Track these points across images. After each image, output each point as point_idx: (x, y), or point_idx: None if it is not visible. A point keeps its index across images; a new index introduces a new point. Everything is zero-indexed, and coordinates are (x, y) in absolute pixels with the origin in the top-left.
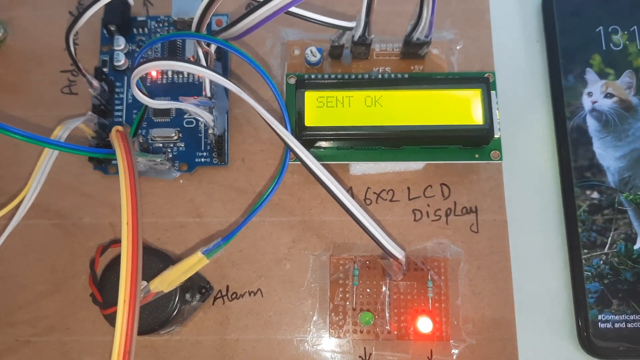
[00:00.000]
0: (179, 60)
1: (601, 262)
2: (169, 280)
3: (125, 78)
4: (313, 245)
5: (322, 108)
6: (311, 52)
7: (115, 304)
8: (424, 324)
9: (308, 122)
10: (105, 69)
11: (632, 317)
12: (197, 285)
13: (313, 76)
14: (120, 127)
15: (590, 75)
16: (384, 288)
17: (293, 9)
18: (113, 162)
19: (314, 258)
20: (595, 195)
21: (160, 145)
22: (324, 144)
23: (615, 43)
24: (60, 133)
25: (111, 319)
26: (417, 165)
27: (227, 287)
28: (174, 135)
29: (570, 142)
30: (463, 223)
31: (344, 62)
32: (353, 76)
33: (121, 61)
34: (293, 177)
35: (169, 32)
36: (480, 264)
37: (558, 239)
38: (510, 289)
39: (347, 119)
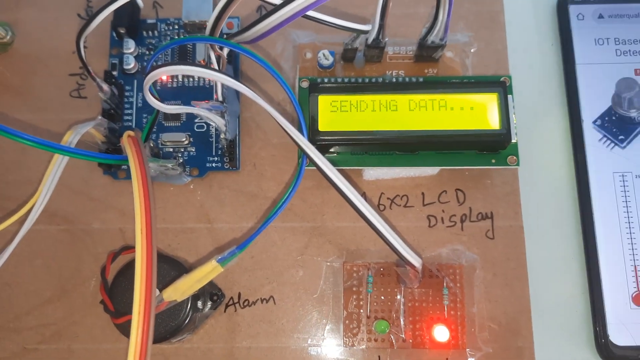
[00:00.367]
0: (194, 65)
1: None
2: (182, 289)
3: (135, 81)
4: (326, 252)
5: (335, 112)
6: (324, 55)
7: (126, 312)
8: (441, 333)
9: (322, 127)
10: (114, 72)
11: None
12: (209, 293)
13: (326, 80)
14: (131, 132)
15: None
16: (398, 296)
17: (308, 12)
18: (123, 167)
19: (327, 265)
20: None
21: (171, 150)
22: (337, 148)
23: None
24: (71, 138)
25: (122, 328)
26: (432, 170)
27: (239, 294)
28: (184, 139)
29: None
30: (478, 229)
31: (356, 65)
32: (367, 80)
33: (131, 64)
34: (305, 182)
35: (179, 34)
36: (496, 270)
37: (575, 245)
38: (526, 296)
39: (361, 124)
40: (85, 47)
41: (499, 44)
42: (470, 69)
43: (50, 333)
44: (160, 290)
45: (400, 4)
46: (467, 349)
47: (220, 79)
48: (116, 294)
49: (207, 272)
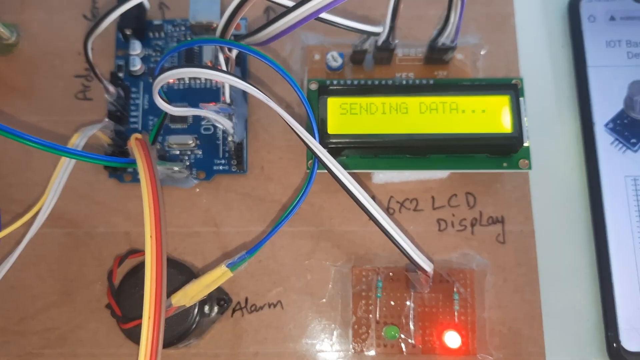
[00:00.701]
0: (205, 68)
1: None
2: (191, 294)
3: (141, 83)
4: (334, 256)
5: (345, 115)
6: (332, 57)
7: (134, 317)
8: (452, 339)
9: (331, 130)
10: (120, 74)
11: None
12: (216, 297)
13: (335, 82)
14: (139, 135)
15: None
16: (408, 301)
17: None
18: (129, 170)
19: (336, 269)
20: None
21: (177, 152)
22: (346, 152)
23: None
24: (78, 141)
25: (129, 333)
26: (442, 173)
27: (246, 299)
28: (191, 142)
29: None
30: (489, 234)
31: (365, 67)
32: (377, 82)
33: (137, 66)
34: (313, 185)
35: (186, 36)
36: (506, 276)
37: (586, 250)
38: (537, 301)
39: (371, 127)
40: (91, 48)
41: (510, 46)
42: (481, 71)
43: (55, 337)
44: (168, 295)
45: (410, 5)
46: (478, 355)
47: (232, 82)
48: (123, 299)
49: (217, 277)
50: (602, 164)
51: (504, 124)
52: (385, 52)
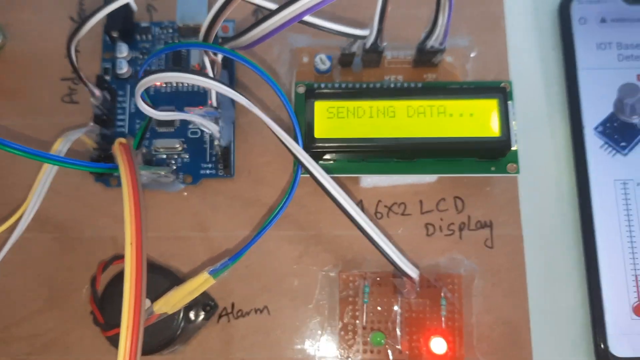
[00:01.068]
0: (188, 72)
1: None
2: (173, 301)
3: (128, 86)
4: (322, 261)
5: (332, 119)
6: (321, 59)
7: (117, 325)
8: (438, 345)
9: (318, 134)
10: (107, 77)
11: None
12: (202, 303)
13: (323, 85)
14: (123, 140)
15: None
16: (395, 306)
17: (304, 18)
18: (115, 174)
19: (323, 274)
20: None
21: (164, 156)
22: (334, 156)
23: None
24: (60, 147)
25: (113, 340)
26: (430, 177)
27: (233, 304)
28: (178, 146)
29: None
30: (477, 238)
31: (354, 70)
32: (365, 85)
33: (124, 69)
34: (301, 189)
35: (173, 38)
36: (495, 280)
37: (575, 254)
38: (526, 306)
39: (358, 130)
40: (77, 51)
41: (500, 49)
42: (470, 73)
43: (41, 344)
44: (152, 302)
45: (400, 5)
46: None
47: (215, 87)
48: (107, 305)
49: (199, 285)
50: (591, 167)
51: (492, 128)
52: (373, 54)
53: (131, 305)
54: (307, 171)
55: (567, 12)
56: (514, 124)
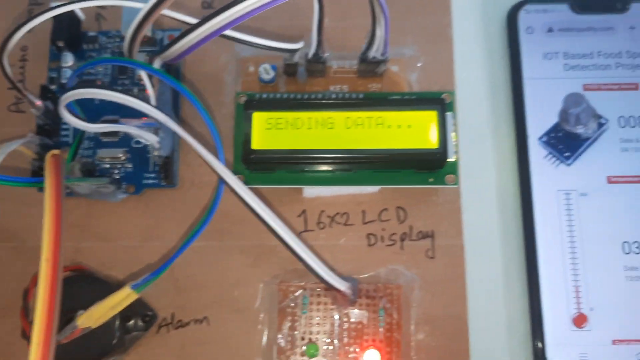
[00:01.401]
0: (110, 90)
1: None
2: (96, 315)
3: None
4: (263, 272)
5: (271, 130)
6: (265, 69)
7: None
8: (372, 357)
9: (255, 145)
10: (53, 87)
11: None
12: (140, 313)
13: (265, 95)
14: (56, 151)
15: None
16: (334, 317)
17: (232, 33)
18: None
19: (264, 285)
20: None
21: (108, 166)
22: (274, 166)
23: None
24: None
25: None
26: (373, 188)
27: (173, 314)
28: (121, 155)
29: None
30: (419, 248)
31: (299, 79)
32: (306, 96)
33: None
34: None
35: (120, 47)
36: (435, 291)
37: (517, 265)
38: (465, 317)
39: (297, 142)
40: (25, 59)
41: (446, 59)
42: (416, 84)
43: None
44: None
45: (345, 17)
46: None
47: (133, 104)
48: None
49: (121, 299)
50: (534, 177)
51: (430, 139)
52: (316, 64)
53: (42, 322)
54: (229, 187)
55: (514, 21)
56: (453, 136)
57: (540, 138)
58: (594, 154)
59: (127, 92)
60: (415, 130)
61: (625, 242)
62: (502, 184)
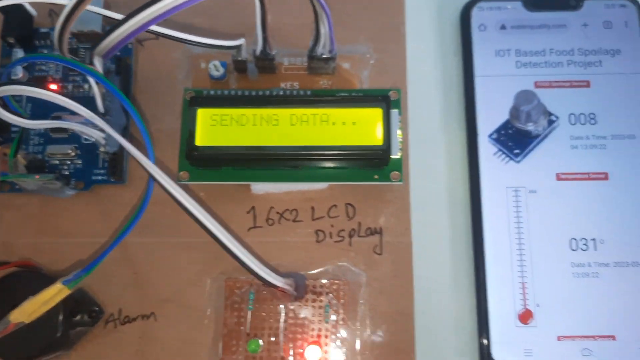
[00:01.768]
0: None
1: None
2: (28, 311)
3: None
4: (210, 268)
5: (215, 126)
6: (214, 66)
7: None
8: (312, 353)
9: (199, 142)
10: None
11: None
12: (87, 308)
13: (212, 92)
14: None
15: None
16: (280, 313)
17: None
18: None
19: (211, 281)
20: None
21: (57, 162)
22: (219, 163)
23: None
24: None
25: None
26: (322, 184)
27: (120, 310)
28: (70, 152)
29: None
30: (366, 245)
31: (250, 76)
32: (254, 93)
33: (19, 75)
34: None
35: (71, 44)
36: (382, 287)
37: (465, 262)
38: (411, 313)
39: (241, 138)
40: None
41: (399, 56)
42: (368, 81)
43: None
44: None
45: (296, 13)
46: None
47: (54, 99)
48: None
49: (53, 295)
50: (483, 175)
51: (375, 137)
52: (265, 61)
53: None
54: (160, 185)
55: (467, 19)
56: (399, 133)
57: (490, 135)
58: (544, 151)
59: (40, 86)
60: (360, 127)
61: (572, 238)
62: (452, 181)
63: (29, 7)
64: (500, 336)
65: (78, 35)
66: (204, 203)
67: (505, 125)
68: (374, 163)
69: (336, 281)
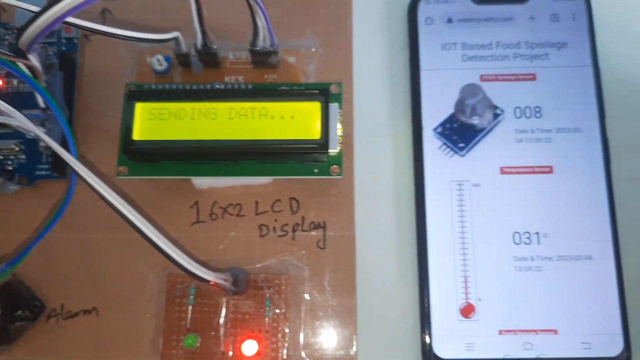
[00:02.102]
0: None
1: None
2: None
3: None
4: (153, 263)
5: (154, 120)
6: (157, 60)
7: None
8: (249, 347)
9: (137, 136)
10: None
11: None
12: (28, 303)
13: (153, 86)
14: None
15: None
16: (221, 308)
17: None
18: None
19: (153, 275)
20: None
21: (2, 157)
22: (156, 157)
23: None
24: None
25: None
26: (266, 178)
27: (62, 305)
28: (14, 147)
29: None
30: (310, 239)
31: (194, 71)
32: (195, 87)
33: None
34: (136, 192)
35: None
36: (324, 281)
37: (409, 256)
38: (353, 308)
39: (179, 132)
40: None
41: (345, 50)
42: (313, 75)
43: None
44: None
45: (241, 7)
46: None
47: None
48: None
49: None
50: (427, 168)
51: (313, 130)
52: (208, 55)
53: None
54: (82, 179)
55: (414, 12)
56: (338, 126)
57: (435, 129)
58: (489, 144)
59: None
60: (298, 121)
61: (516, 232)
62: (397, 175)
63: None
64: (442, 330)
65: (20, 30)
66: (148, 198)
67: (451, 119)
68: (313, 157)
69: (278, 275)
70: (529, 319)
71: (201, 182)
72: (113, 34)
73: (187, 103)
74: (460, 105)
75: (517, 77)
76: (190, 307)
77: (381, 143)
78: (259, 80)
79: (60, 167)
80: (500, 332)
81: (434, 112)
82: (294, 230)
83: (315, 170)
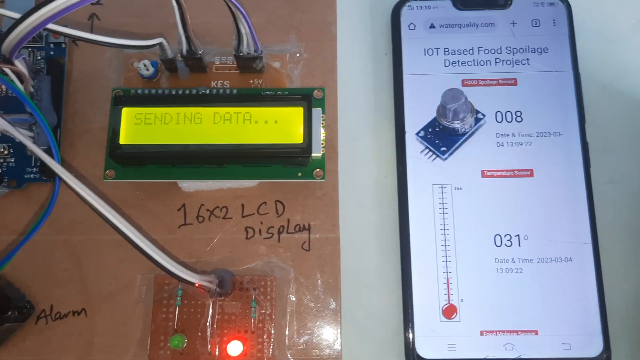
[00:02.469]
0: None
1: None
2: None
3: None
4: (140, 264)
5: (140, 125)
6: (144, 65)
7: None
8: (235, 348)
9: (123, 140)
10: None
11: None
12: (17, 305)
13: (139, 91)
14: None
15: None
16: (208, 309)
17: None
18: None
19: (141, 277)
20: None
21: None
22: (142, 161)
23: None
24: None
25: None
26: (251, 181)
27: (51, 306)
28: (3, 150)
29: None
30: (295, 241)
31: (181, 76)
32: (180, 91)
33: None
34: (120, 194)
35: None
36: (309, 283)
37: (393, 258)
38: (338, 309)
39: (165, 137)
40: None
41: (329, 55)
42: (298, 80)
43: None
44: None
45: (224, 13)
46: None
47: None
48: None
49: None
50: (410, 172)
51: (296, 135)
52: (193, 61)
53: None
54: (65, 184)
55: (397, 18)
56: (322, 131)
57: (417, 133)
58: (470, 148)
59: None
60: (281, 126)
61: (497, 234)
62: (380, 179)
63: None
64: (424, 331)
65: (2, 37)
66: (135, 201)
67: (433, 123)
68: (296, 161)
69: (264, 277)
70: (510, 320)
71: (188, 185)
72: (97, 41)
73: (173, 108)
74: (442, 109)
75: (499, 82)
76: (177, 308)
77: (364, 146)
78: (245, 85)
79: (48, 171)
80: (482, 333)
81: (417, 117)
82: (279, 233)
83: (299, 174)
